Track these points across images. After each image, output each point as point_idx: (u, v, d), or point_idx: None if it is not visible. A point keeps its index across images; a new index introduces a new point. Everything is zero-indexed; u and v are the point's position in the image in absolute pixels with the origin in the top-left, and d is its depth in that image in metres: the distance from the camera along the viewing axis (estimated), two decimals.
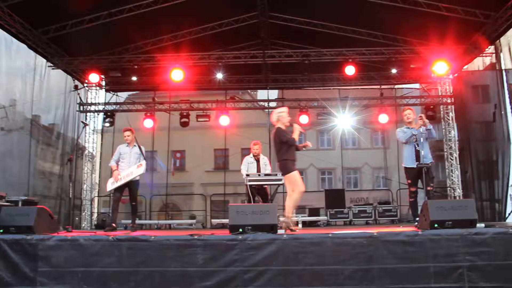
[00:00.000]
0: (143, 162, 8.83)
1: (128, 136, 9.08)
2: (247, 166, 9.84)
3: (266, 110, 16.68)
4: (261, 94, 19.22)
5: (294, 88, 16.28)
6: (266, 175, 9.20)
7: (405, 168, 8.07)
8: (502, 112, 12.33)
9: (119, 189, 8.94)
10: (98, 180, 15.94)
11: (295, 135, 7.58)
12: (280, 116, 7.67)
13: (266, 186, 9.50)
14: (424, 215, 6.23)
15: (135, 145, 9.09)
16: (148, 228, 14.65)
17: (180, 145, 22.12)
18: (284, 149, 7.50)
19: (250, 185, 9.02)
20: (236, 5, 12.45)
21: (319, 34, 13.27)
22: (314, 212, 15.17)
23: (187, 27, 13.09)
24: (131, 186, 8.92)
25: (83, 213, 14.74)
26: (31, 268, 5.79)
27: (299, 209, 15.44)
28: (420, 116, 8.03)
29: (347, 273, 5.57)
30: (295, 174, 7.41)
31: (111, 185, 8.93)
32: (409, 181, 7.94)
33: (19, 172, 12.15)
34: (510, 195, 15.89)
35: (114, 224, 8.87)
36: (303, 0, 12.11)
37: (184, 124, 15.16)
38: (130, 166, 8.89)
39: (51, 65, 13.22)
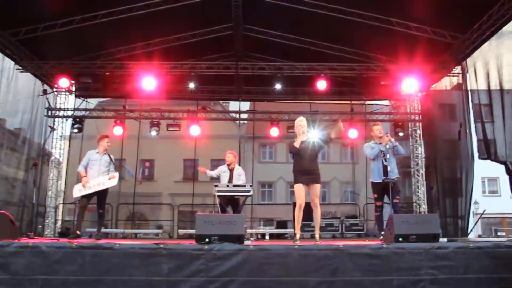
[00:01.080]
0: (116, 174, 8.67)
1: (108, 143, 9.01)
2: (219, 173, 9.83)
3: (238, 121, 16.71)
4: (233, 106, 19.24)
5: (266, 100, 16.33)
6: (235, 185, 9.19)
7: (372, 182, 8.19)
8: (467, 131, 12.63)
9: (87, 197, 8.73)
10: (63, 187, 15.59)
11: (333, 133, 7.73)
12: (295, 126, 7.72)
13: (239, 197, 9.47)
14: (389, 228, 6.33)
15: (105, 153, 8.93)
16: (113, 237, 14.38)
17: (149, 154, 21.92)
18: (294, 160, 7.61)
19: (220, 196, 8.98)
20: (211, 17, 12.52)
21: (292, 48, 13.43)
22: (281, 224, 15.18)
23: (161, 36, 13.06)
24: (100, 194, 8.73)
25: (47, 221, 14.37)
26: None
27: (267, 222, 15.53)
28: (386, 134, 8.19)
29: (312, 285, 5.59)
30: (295, 186, 7.47)
31: (78, 191, 8.70)
32: (375, 196, 8.06)
33: None
34: (473, 212, 16.31)
35: (78, 232, 8.69)
36: (277, 14, 12.22)
37: (155, 133, 15.04)
38: (99, 175, 8.70)
39: (20, 68, 12.93)
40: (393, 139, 8.08)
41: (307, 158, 7.44)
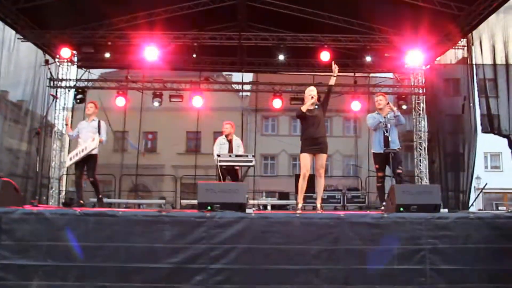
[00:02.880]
0: (96, 136, 8.61)
1: (90, 107, 8.99)
2: (219, 147, 9.81)
3: (240, 93, 16.65)
4: (236, 78, 19.14)
5: (268, 72, 16.25)
6: (237, 156, 9.19)
7: (373, 153, 8.21)
8: (471, 105, 12.57)
9: (79, 166, 8.74)
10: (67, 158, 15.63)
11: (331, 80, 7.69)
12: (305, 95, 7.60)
13: (237, 168, 9.50)
14: (391, 199, 6.38)
15: (94, 120, 8.91)
16: (117, 207, 14.50)
17: (152, 126, 21.91)
18: (301, 128, 7.58)
19: (221, 166, 9.00)
20: None
21: (296, 19, 13.24)
22: (283, 196, 15.26)
23: (163, 6, 12.87)
24: (87, 161, 8.67)
25: (51, 191, 14.48)
26: None
27: (269, 193, 15.62)
28: (388, 103, 8.17)
29: (313, 253, 5.67)
30: (301, 156, 7.41)
31: (69, 160, 8.82)
32: (377, 166, 8.09)
33: None
34: (475, 187, 16.34)
35: (81, 201, 8.73)
36: None
37: (158, 104, 15.02)
38: (85, 141, 8.67)
39: (21, 37, 12.82)
40: (395, 108, 8.06)
41: (314, 126, 7.34)
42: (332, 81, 7.67)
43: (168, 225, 5.71)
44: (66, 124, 8.89)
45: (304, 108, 7.39)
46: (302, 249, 5.68)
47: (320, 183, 7.43)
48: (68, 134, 9.02)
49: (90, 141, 8.56)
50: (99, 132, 8.74)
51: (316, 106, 7.44)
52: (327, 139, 7.50)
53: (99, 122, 8.87)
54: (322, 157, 7.36)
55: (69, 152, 15.47)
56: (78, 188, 8.96)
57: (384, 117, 8.04)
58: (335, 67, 7.73)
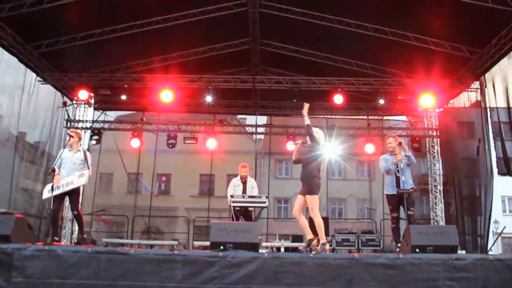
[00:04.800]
0: (86, 172, 7.98)
1: (71, 137, 8.25)
2: (233, 189, 9.77)
3: (254, 136, 16.72)
4: (250, 120, 19.31)
5: (282, 115, 16.38)
6: (250, 196, 9.16)
7: (386, 195, 8.14)
8: (486, 147, 12.47)
9: (57, 199, 7.99)
10: (81, 198, 15.68)
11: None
12: None
13: (251, 209, 9.43)
14: (406, 240, 6.26)
15: (79, 150, 8.23)
16: (129, 247, 14.36)
17: (166, 168, 22.01)
18: None
19: (234, 207, 8.94)
20: (229, 31, 12.63)
21: (309, 63, 13.46)
22: (297, 239, 15.00)
23: (178, 50, 13.20)
24: (71, 195, 8.09)
25: (64, 231, 14.46)
26: (4, 278, 5.65)
27: (282, 236, 15.39)
28: (400, 142, 8.16)
29: None
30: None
31: (47, 192, 8.04)
32: (390, 207, 8.00)
33: (0, 187, 11.97)
34: (493, 231, 16.00)
35: (56, 238, 8.08)
36: (294, 29, 12.31)
37: (172, 146, 15.12)
38: (70, 173, 8.01)
39: (41, 80, 13.17)
40: (406, 147, 8.05)
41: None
42: (306, 120, 7.43)
43: (180, 264, 5.64)
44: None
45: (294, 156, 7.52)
46: None
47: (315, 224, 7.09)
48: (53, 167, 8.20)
49: (78, 177, 7.93)
50: (87, 165, 8.11)
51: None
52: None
53: (84, 153, 8.24)
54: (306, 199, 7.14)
55: (83, 193, 15.65)
56: (55, 223, 8.22)
57: (395, 162, 8.00)
58: (305, 107, 7.61)
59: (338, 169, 24.08)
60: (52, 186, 7.97)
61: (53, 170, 7.94)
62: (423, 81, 12.78)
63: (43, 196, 8.23)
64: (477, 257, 5.80)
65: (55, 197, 7.95)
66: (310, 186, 7.11)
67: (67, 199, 8.47)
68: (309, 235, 7.21)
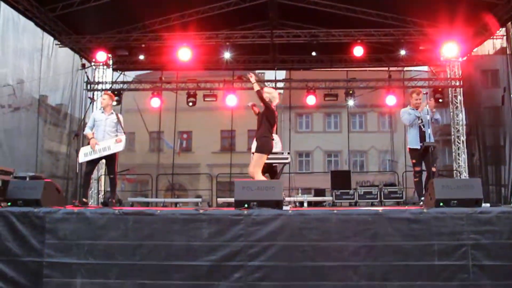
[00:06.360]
0: (123, 137, 8.05)
1: (103, 99, 8.33)
2: None
3: None
4: (269, 75, 19.12)
5: (301, 69, 16.21)
6: (272, 153, 9.16)
7: (410, 149, 8.08)
8: (511, 96, 12.22)
9: (92, 162, 8.18)
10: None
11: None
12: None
13: (276, 165, 9.45)
14: (430, 194, 6.24)
15: (112, 113, 8.27)
16: (154, 206, 14.70)
17: (186, 126, 22.09)
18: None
19: None
20: None
21: (327, 15, 13.12)
22: (319, 193, 15.19)
23: (195, 6, 12.98)
24: (108, 159, 8.20)
25: (90, 191, 14.79)
26: (38, 240, 5.87)
27: (305, 190, 15.54)
28: (426, 104, 7.97)
29: (351, 250, 5.61)
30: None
31: (83, 156, 8.07)
32: (414, 161, 7.96)
33: (26, 150, 12.17)
34: None
35: (85, 200, 8.26)
36: None
37: (192, 104, 15.15)
38: (105, 136, 8.07)
39: (58, 43, 13.17)
40: (434, 109, 7.89)
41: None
42: (255, 87, 7.70)
43: (206, 223, 5.75)
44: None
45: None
46: (340, 245, 5.63)
47: None
48: (85, 133, 8.38)
49: (114, 142, 7.99)
50: (122, 130, 8.20)
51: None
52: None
53: (117, 116, 8.28)
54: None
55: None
56: (86, 185, 8.48)
57: (420, 112, 7.91)
58: (250, 76, 8.02)
59: (359, 121, 23.96)
60: (89, 149, 8.04)
61: (77, 135, 8.07)
62: (446, 29, 12.38)
63: (79, 159, 8.24)
64: (502, 210, 5.76)
65: (89, 160, 8.09)
66: (260, 145, 7.45)
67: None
68: None
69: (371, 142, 22.25)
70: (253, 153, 7.66)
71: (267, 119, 7.49)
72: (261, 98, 7.51)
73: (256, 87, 7.63)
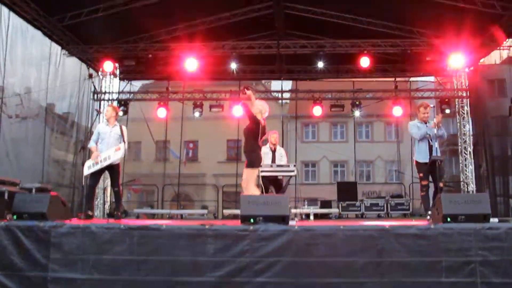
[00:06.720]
0: (122, 145, 8.06)
1: (107, 111, 8.42)
2: (263, 156, 9.75)
3: (280, 101, 16.59)
4: (275, 85, 19.16)
5: (308, 79, 16.19)
6: (278, 166, 9.15)
7: (417, 162, 8.02)
8: None
9: (96, 175, 8.21)
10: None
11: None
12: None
13: (281, 177, 9.43)
14: (437, 208, 6.17)
15: (116, 125, 8.34)
16: (160, 217, 14.71)
17: (193, 135, 22.13)
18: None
19: (262, 176, 8.95)
20: None
21: (334, 26, 13.14)
22: (325, 204, 15.12)
23: (202, 17, 13.04)
24: (111, 170, 8.23)
25: (96, 202, 14.78)
26: (43, 254, 5.81)
27: (311, 201, 15.47)
28: (439, 115, 7.95)
29: (358, 266, 5.54)
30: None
31: (87, 169, 8.14)
32: (421, 175, 7.89)
33: (33, 159, 12.21)
34: None
35: (90, 212, 8.21)
36: None
37: (199, 114, 15.18)
38: (109, 149, 8.09)
39: (66, 52, 13.24)
40: (440, 124, 7.86)
41: None
42: (253, 101, 7.89)
43: (212, 238, 5.70)
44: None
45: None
46: (347, 261, 5.56)
47: None
48: (89, 147, 8.48)
49: (115, 151, 8.03)
50: (123, 140, 8.22)
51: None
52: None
53: (121, 128, 8.35)
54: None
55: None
56: (90, 198, 8.50)
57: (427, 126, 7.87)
58: (251, 93, 8.06)
59: (365, 131, 23.93)
60: (92, 162, 8.12)
61: (83, 147, 8.10)
62: (453, 40, 12.35)
63: (84, 173, 8.31)
64: (511, 226, 5.69)
65: (93, 172, 8.14)
66: (251, 160, 7.62)
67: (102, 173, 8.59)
68: None
69: (378, 152, 22.21)
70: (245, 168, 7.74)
71: (252, 133, 7.64)
72: (248, 112, 7.69)
73: (253, 101, 7.82)
